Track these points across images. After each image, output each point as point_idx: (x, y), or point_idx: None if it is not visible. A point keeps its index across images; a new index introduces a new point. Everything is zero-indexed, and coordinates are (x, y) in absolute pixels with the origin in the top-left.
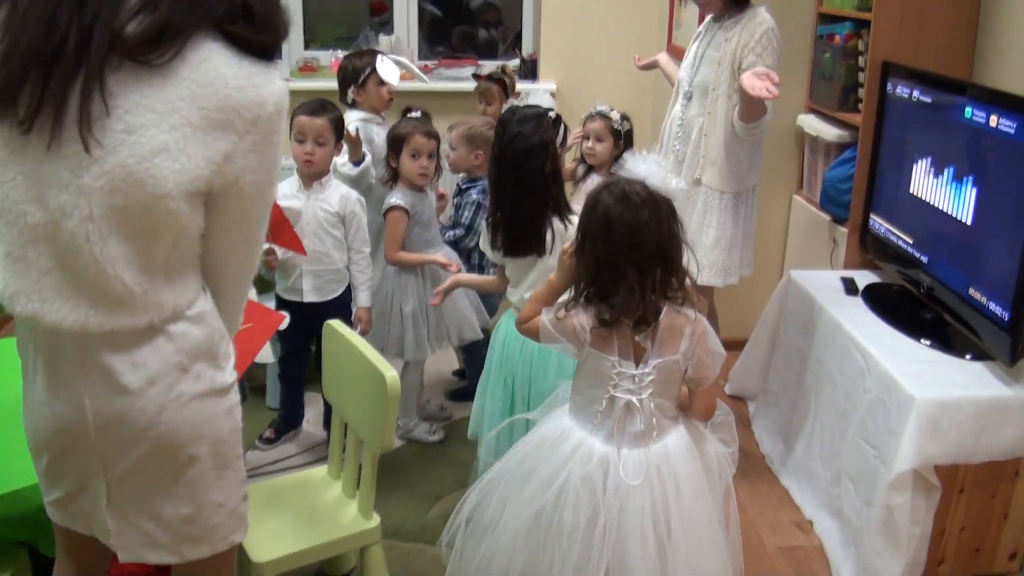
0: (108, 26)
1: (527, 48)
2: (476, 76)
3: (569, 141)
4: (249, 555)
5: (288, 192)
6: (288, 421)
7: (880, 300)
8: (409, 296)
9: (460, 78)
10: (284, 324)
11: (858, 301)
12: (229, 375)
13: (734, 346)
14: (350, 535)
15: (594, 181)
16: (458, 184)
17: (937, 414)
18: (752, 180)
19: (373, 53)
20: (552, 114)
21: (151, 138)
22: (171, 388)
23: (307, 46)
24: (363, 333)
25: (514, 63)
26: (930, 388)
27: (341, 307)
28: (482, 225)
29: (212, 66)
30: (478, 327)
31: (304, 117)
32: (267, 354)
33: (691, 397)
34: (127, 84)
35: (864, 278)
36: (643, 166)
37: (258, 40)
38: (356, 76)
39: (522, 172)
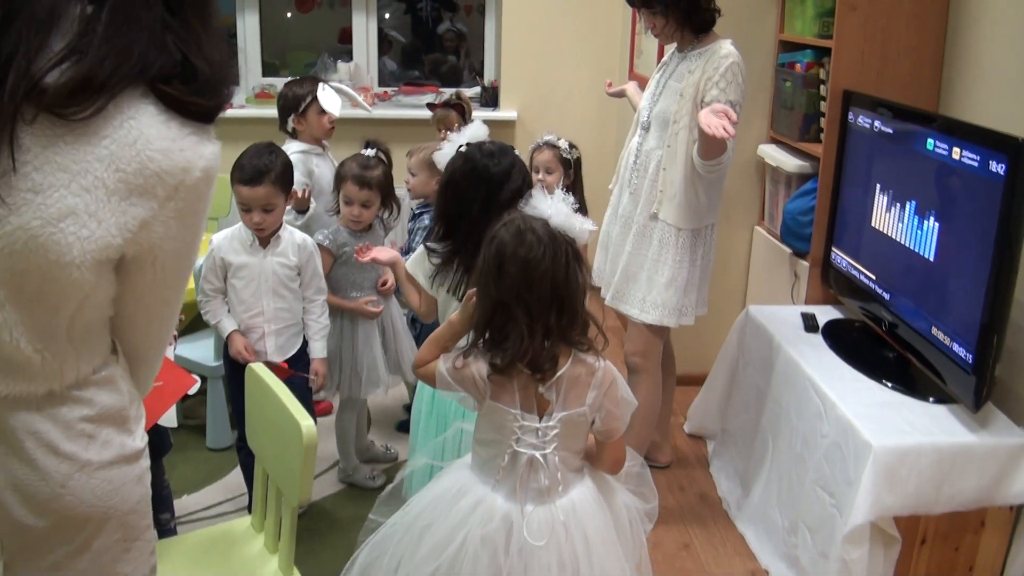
0: (24, 73)
1: (489, 76)
2: (431, 105)
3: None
4: None
5: (238, 247)
6: None
7: (841, 338)
8: (332, 336)
9: (417, 105)
10: (194, 389)
11: (818, 339)
12: (139, 439)
13: (693, 382)
14: None
15: None
16: (412, 209)
17: (895, 463)
18: (711, 217)
19: (315, 81)
20: (517, 151)
21: (59, 200)
22: (76, 457)
23: (277, 72)
24: (319, 388)
25: (475, 90)
26: (889, 435)
27: (302, 363)
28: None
29: (136, 125)
30: None
31: (245, 189)
32: (171, 418)
33: (598, 448)
34: (40, 139)
35: (825, 314)
36: (547, 204)
37: (195, 103)
38: (296, 105)
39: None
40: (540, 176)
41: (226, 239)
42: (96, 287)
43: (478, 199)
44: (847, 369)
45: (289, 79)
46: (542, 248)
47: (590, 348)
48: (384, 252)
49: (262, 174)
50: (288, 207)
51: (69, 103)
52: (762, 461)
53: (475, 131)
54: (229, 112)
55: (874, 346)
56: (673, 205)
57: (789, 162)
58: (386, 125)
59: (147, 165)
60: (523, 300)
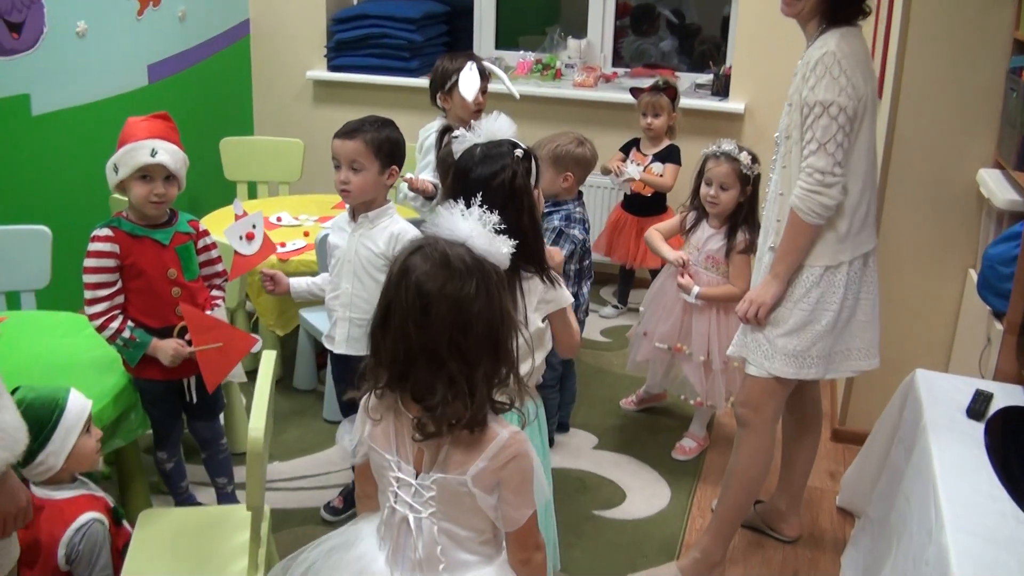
0: None
1: (726, 63)
2: (635, 90)
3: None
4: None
5: (342, 225)
6: None
7: (1008, 436)
8: None
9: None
10: (257, 347)
11: (977, 429)
12: None
13: (858, 440)
14: None
15: (705, 231)
16: None
17: None
18: (856, 249)
19: (468, 58)
20: (519, 151)
21: None
22: None
23: (515, 45)
24: None
25: (706, 78)
26: None
27: None
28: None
29: None
30: None
31: (336, 140)
32: (239, 373)
33: (506, 537)
34: None
35: (1009, 397)
36: (465, 223)
37: None
38: (444, 81)
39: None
40: (712, 192)
41: (335, 221)
42: None
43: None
44: (991, 481)
45: (445, 54)
46: (473, 282)
47: (510, 407)
48: None
49: (356, 131)
50: (413, 193)
51: None
52: (882, 565)
53: (498, 126)
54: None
55: None
56: None
57: (1001, 195)
58: (590, 107)
59: None
60: (457, 347)
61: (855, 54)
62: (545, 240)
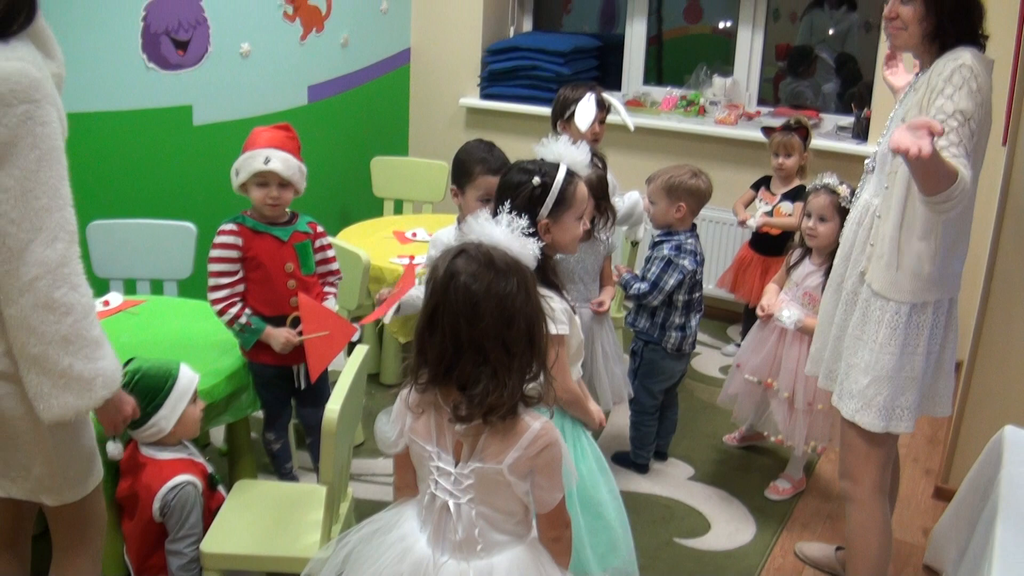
0: None
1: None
2: (767, 129)
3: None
4: (202, 543)
5: (443, 238)
6: None
7: None
8: None
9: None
10: (356, 336)
11: None
12: None
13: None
14: (301, 558)
15: (806, 268)
16: (652, 236)
17: None
18: (943, 291)
19: (589, 88)
20: (537, 179)
21: None
22: None
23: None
24: None
25: (849, 120)
26: None
27: None
28: (668, 283)
29: None
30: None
31: (491, 176)
32: (341, 361)
33: (538, 518)
34: None
35: None
36: (496, 228)
37: None
38: (564, 110)
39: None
40: (812, 223)
41: (441, 239)
42: None
43: None
44: None
45: (569, 82)
46: (514, 281)
47: (539, 400)
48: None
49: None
50: None
51: None
52: None
53: (574, 154)
54: None
55: None
56: (881, 266)
57: None
58: (728, 144)
59: None
60: (501, 340)
61: (986, 78)
62: (655, 267)
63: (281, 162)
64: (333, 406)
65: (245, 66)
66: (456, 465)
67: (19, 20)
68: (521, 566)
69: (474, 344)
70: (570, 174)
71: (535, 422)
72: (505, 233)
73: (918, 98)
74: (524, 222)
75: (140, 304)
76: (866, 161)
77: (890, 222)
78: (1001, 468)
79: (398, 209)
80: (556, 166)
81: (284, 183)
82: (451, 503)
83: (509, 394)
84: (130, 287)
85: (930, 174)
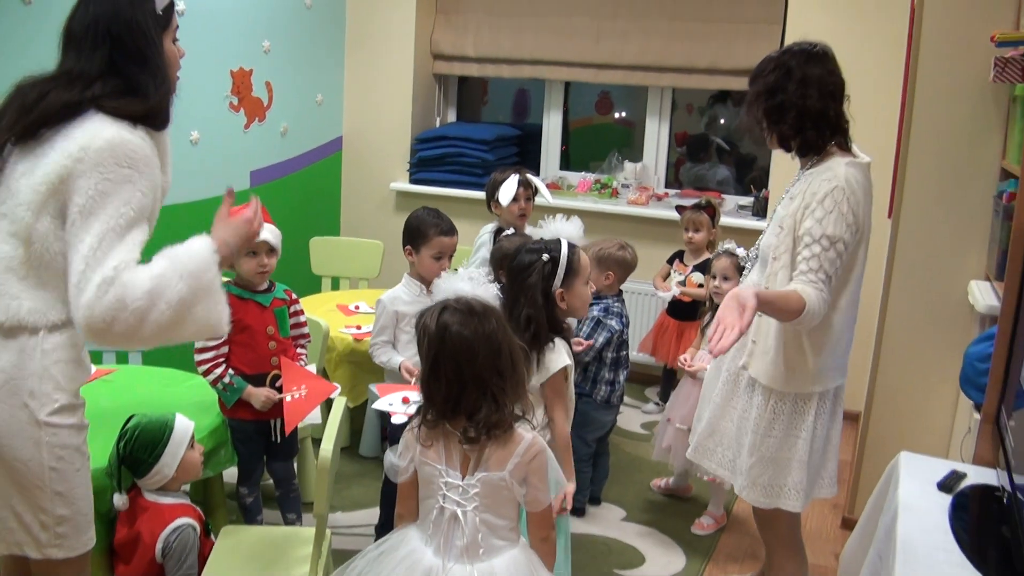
0: None
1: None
2: (680, 208)
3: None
4: None
5: (407, 298)
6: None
7: (972, 507)
8: None
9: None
10: (336, 393)
11: (944, 501)
12: None
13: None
14: None
15: None
16: None
17: None
18: (826, 382)
19: (515, 171)
20: (546, 256)
21: None
22: None
23: (575, 166)
24: None
25: (748, 200)
26: None
27: None
28: (598, 341)
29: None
30: None
31: (444, 237)
32: (315, 416)
33: (527, 519)
34: None
35: (982, 477)
36: (464, 283)
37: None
38: (493, 191)
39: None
40: (717, 283)
41: (392, 296)
42: None
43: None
44: (950, 548)
45: (503, 168)
46: (493, 320)
47: (523, 416)
48: None
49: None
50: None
51: None
52: None
53: (570, 230)
54: None
55: (1004, 527)
56: (765, 361)
57: (984, 301)
58: (641, 222)
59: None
60: (496, 370)
61: (862, 187)
62: (586, 327)
63: (269, 232)
64: (327, 446)
65: (195, 152)
66: (463, 478)
67: (160, 118)
68: (518, 567)
69: (475, 378)
70: (571, 246)
71: (527, 434)
72: (472, 285)
73: (794, 208)
74: (483, 271)
75: (113, 372)
76: (750, 250)
77: (774, 323)
78: (900, 484)
79: (335, 286)
80: (558, 241)
81: (271, 250)
82: (459, 511)
83: (509, 412)
84: (96, 357)
85: (773, 314)
